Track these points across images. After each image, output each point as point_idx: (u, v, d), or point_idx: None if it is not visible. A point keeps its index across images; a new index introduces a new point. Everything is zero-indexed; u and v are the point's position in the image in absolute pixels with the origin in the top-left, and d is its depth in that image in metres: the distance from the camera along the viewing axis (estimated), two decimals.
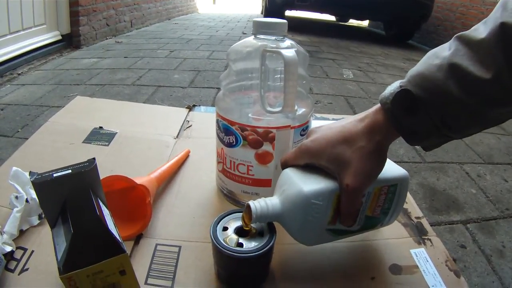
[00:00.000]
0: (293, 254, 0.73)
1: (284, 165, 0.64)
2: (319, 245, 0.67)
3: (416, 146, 1.37)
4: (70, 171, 0.53)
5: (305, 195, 0.56)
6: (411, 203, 0.89)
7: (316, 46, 3.74)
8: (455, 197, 1.08)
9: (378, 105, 0.55)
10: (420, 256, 0.74)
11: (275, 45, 0.70)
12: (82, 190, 0.54)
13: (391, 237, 0.72)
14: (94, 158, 0.56)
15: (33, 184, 0.51)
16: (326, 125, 0.60)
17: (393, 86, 0.53)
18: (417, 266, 0.72)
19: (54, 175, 0.52)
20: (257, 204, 0.59)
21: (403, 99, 0.51)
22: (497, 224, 0.99)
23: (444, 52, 0.50)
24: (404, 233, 0.80)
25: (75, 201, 0.53)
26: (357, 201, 0.57)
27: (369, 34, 5.86)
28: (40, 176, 0.52)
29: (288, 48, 0.68)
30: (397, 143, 1.15)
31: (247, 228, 0.61)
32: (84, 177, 0.54)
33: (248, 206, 0.59)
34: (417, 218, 0.85)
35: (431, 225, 0.83)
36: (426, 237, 0.79)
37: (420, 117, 0.50)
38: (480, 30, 0.47)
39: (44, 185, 0.51)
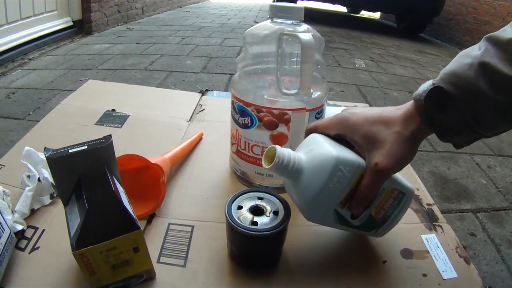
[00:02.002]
0: (306, 235, 0.74)
1: (312, 131, 0.64)
2: (332, 228, 0.67)
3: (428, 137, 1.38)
4: (86, 147, 0.53)
5: (336, 158, 0.55)
6: (422, 190, 0.90)
7: (328, 36, 3.72)
8: (465, 186, 1.08)
9: (412, 101, 0.56)
10: (431, 241, 0.74)
11: (292, 29, 0.70)
12: (97, 166, 0.54)
13: (402, 222, 0.73)
14: (110, 135, 0.56)
15: (48, 160, 0.51)
16: (363, 108, 0.60)
17: (426, 84, 0.54)
18: (428, 251, 0.72)
19: (70, 151, 0.52)
20: (284, 150, 0.58)
21: (435, 96, 0.52)
22: (507, 214, 1.00)
23: (474, 51, 0.51)
24: (415, 219, 0.80)
25: (90, 177, 0.54)
26: (379, 184, 0.57)
27: (381, 26, 5.82)
28: (55, 152, 0.52)
29: (305, 32, 0.69)
30: None
31: (267, 167, 0.58)
32: (99, 153, 0.54)
33: (273, 148, 0.58)
34: (428, 204, 0.85)
35: (441, 213, 0.83)
36: (437, 224, 0.79)
37: (451, 113, 0.52)
38: (508, 31, 0.49)
39: (59, 161, 0.51)
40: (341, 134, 0.60)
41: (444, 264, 0.69)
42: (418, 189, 0.89)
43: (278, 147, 0.57)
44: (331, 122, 0.61)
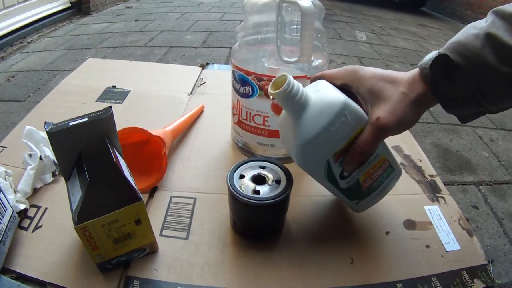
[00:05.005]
0: (308, 206, 0.74)
1: (319, 78, 0.62)
2: (335, 199, 0.67)
3: (430, 108, 1.37)
4: (86, 119, 0.52)
5: (343, 102, 0.54)
6: (424, 161, 0.89)
7: (329, 9, 3.67)
8: (468, 159, 1.08)
9: (418, 69, 0.55)
10: (434, 213, 0.74)
11: None
12: (98, 139, 0.53)
13: (405, 192, 0.72)
14: (110, 106, 0.55)
15: (48, 134, 0.50)
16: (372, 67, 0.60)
17: (432, 54, 0.54)
18: (431, 223, 0.72)
19: (70, 123, 0.51)
20: (294, 80, 0.55)
21: (441, 64, 0.52)
22: (509, 188, 0.99)
23: (481, 23, 0.51)
24: (418, 190, 0.80)
25: (91, 150, 0.53)
26: (377, 140, 0.56)
27: (382, 0, 5.77)
28: (55, 126, 0.51)
29: None
30: None
31: (274, 92, 0.55)
32: (100, 124, 0.54)
33: (284, 75, 0.55)
34: (431, 176, 0.85)
35: (444, 184, 0.83)
36: (439, 195, 0.79)
37: (456, 82, 0.51)
38: None
39: (60, 134, 0.50)
40: (347, 84, 0.59)
41: (447, 236, 0.69)
42: (420, 160, 0.89)
43: (288, 74, 0.55)
44: (340, 72, 0.60)
